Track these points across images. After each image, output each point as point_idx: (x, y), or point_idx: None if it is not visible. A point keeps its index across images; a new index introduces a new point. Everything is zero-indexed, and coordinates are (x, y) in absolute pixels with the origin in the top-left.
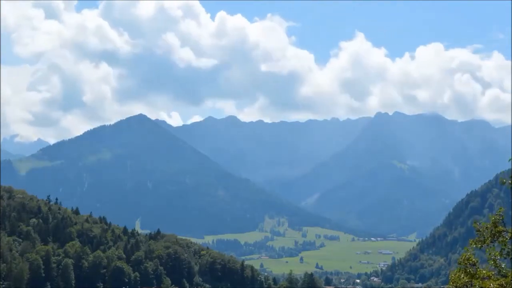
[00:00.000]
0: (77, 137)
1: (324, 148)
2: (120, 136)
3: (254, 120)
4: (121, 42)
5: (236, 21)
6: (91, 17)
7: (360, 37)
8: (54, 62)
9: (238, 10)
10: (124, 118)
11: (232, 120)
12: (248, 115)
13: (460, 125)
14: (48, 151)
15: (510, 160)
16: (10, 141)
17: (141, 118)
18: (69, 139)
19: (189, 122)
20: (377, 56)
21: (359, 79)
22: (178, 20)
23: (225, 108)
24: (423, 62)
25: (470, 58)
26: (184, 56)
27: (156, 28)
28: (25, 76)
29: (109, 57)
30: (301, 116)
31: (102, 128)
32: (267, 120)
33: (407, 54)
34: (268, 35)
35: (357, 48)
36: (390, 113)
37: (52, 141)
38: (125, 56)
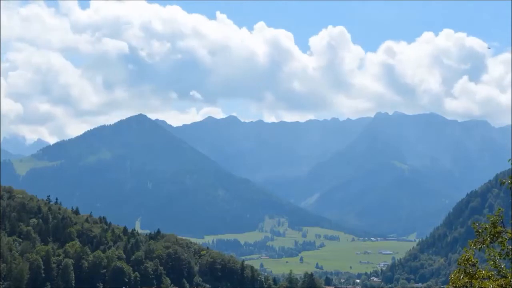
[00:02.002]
0: (77, 137)
1: (324, 148)
2: (120, 136)
3: (254, 120)
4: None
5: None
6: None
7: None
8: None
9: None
10: (124, 118)
11: (232, 120)
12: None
13: (460, 125)
14: (48, 151)
15: (509, 160)
16: (10, 141)
17: (141, 118)
18: (69, 139)
19: (189, 122)
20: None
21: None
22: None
23: (226, 108)
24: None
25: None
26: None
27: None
28: None
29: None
30: (301, 116)
31: (102, 128)
32: (267, 120)
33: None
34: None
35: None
36: (390, 113)
37: (52, 141)
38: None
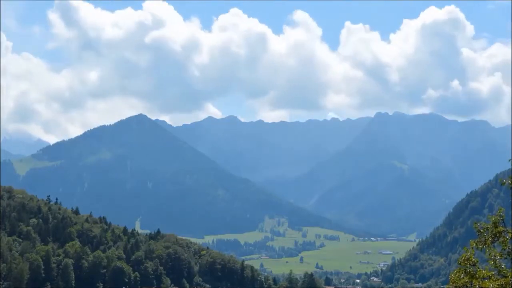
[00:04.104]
0: (77, 137)
1: (324, 148)
2: (120, 136)
3: (254, 120)
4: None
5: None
6: None
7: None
8: None
9: None
10: (124, 118)
11: (232, 120)
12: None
13: (460, 125)
14: (48, 151)
15: (510, 160)
16: (10, 141)
17: (141, 118)
18: (69, 139)
19: (189, 122)
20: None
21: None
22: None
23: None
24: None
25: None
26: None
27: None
28: None
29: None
30: (301, 116)
31: (102, 128)
32: (266, 120)
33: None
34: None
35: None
36: (390, 113)
37: (52, 141)
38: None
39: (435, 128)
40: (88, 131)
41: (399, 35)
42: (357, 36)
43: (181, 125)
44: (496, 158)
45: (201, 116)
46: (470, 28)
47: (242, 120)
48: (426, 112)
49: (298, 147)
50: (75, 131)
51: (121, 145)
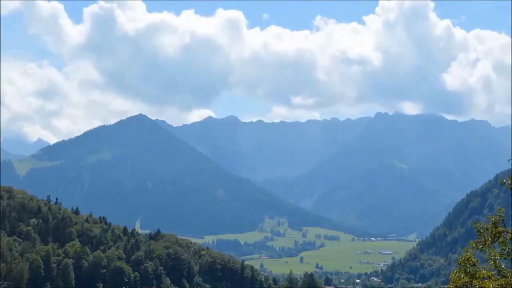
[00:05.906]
0: (77, 137)
1: (324, 148)
2: (120, 136)
3: (254, 120)
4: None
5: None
6: None
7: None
8: None
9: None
10: (124, 118)
11: (232, 120)
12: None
13: (460, 125)
14: (48, 151)
15: (510, 160)
16: (10, 141)
17: (141, 118)
18: (69, 139)
19: (189, 122)
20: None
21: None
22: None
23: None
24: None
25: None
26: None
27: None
28: None
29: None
30: (302, 116)
31: (102, 128)
32: (267, 120)
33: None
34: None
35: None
36: (390, 113)
37: (52, 141)
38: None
39: (435, 128)
40: (88, 131)
41: (393, 30)
42: (341, 32)
43: (181, 125)
44: (496, 158)
45: (201, 116)
46: (463, 20)
47: (242, 120)
48: (426, 112)
49: (298, 147)
50: (75, 131)
51: (121, 145)
